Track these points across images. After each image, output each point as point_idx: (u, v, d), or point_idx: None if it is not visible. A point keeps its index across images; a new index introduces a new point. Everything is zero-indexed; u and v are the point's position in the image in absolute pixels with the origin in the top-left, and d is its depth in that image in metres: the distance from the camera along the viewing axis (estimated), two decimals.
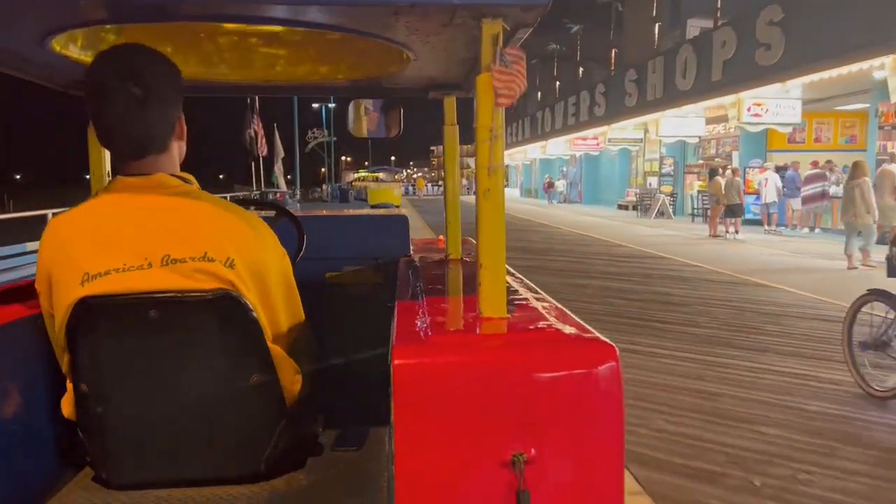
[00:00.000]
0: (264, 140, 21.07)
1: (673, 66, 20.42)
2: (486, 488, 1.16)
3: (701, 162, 26.30)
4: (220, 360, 1.44)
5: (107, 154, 2.09)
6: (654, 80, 21.66)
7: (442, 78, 2.10)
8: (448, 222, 2.42)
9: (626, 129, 28.27)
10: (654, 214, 24.34)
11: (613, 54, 34.49)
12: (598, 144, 34.12)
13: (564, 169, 42.50)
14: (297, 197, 30.77)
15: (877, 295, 4.62)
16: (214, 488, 1.49)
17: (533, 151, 45.03)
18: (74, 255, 1.38)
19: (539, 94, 50.09)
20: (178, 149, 1.49)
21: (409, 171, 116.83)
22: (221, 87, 2.26)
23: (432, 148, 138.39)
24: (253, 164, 21.03)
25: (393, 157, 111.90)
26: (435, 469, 1.16)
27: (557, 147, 39.55)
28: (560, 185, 40.82)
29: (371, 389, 1.76)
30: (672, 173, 26.28)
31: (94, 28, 1.52)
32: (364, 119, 2.46)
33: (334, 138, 47.66)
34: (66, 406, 1.50)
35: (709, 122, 22.98)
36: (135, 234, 1.38)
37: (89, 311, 1.37)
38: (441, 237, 2.79)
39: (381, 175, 52.59)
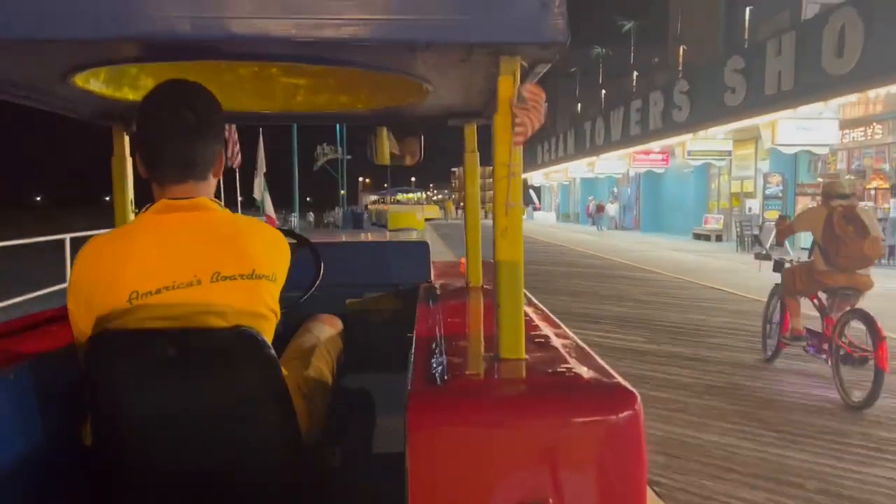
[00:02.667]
0: (238, 148, 15.35)
1: (813, 43, 14.45)
2: None
3: (819, 181, 20.19)
4: (235, 396, 1.43)
5: (130, 184, 2.20)
6: (777, 66, 15.71)
7: (461, 107, 2.09)
8: (468, 248, 2.43)
9: (712, 138, 22.28)
10: (768, 247, 18.17)
11: (681, 51, 28.57)
12: (664, 160, 28.17)
13: (615, 189, 36.46)
14: (293, 224, 24.93)
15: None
16: None
17: (576, 169, 39.14)
18: (120, 275, 1.39)
19: (579, 105, 44.33)
20: (214, 184, 1.54)
21: (428, 192, 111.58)
22: (242, 116, 2.28)
23: (453, 169, 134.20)
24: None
25: (413, 178, 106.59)
26: None
27: (609, 164, 33.63)
28: (611, 208, 34.80)
29: (390, 419, 1.75)
30: (780, 195, 20.16)
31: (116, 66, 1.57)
32: (385, 146, 2.42)
33: (349, 156, 41.89)
34: (86, 434, 1.51)
35: (847, 125, 16.97)
36: (182, 252, 1.41)
37: (108, 344, 1.39)
38: (463, 259, 2.78)
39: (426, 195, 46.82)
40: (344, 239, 5.03)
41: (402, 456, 1.29)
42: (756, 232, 19.59)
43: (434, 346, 1.50)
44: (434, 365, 1.34)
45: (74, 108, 1.95)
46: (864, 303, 5.33)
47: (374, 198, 52.14)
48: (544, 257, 18.06)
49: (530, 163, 44.14)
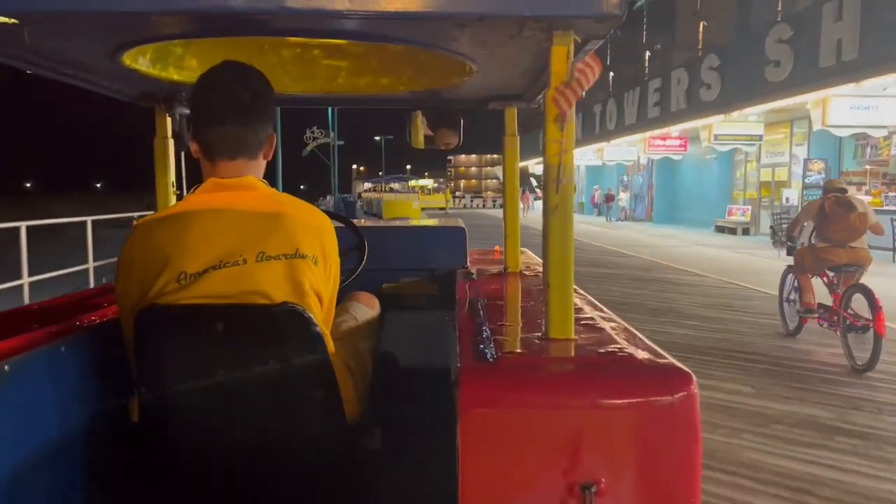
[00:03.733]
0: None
1: (886, 5, 12.17)
2: None
3: (868, 168, 18.00)
4: (281, 373, 1.43)
5: (172, 165, 2.22)
6: (837, 33, 13.43)
7: (503, 89, 2.09)
8: (507, 234, 2.41)
9: (743, 121, 20.01)
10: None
11: (700, 27, 26.24)
12: (682, 145, 25.89)
13: (625, 178, 34.19)
14: None
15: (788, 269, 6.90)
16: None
17: (581, 156, 36.83)
18: (170, 255, 1.41)
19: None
20: (263, 165, 1.57)
21: (424, 180, 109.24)
22: (283, 99, 2.22)
23: (449, 158, 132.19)
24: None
25: (409, 166, 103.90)
26: (500, 494, 1.13)
27: (618, 151, 31.33)
28: (622, 198, 32.56)
29: (429, 402, 1.84)
30: (822, 184, 17.91)
31: (163, 43, 1.57)
32: (420, 130, 2.41)
33: (341, 142, 39.43)
34: (134, 410, 1.52)
35: None
36: (229, 232, 1.43)
37: (157, 319, 1.40)
38: (497, 248, 2.86)
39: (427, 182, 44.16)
40: (382, 223, 4.09)
41: (441, 437, 1.40)
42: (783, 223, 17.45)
43: (480, 326, 1.49)
44: (483, 343, 1.32)
45: (119, 88, 1.98)
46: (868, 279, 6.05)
47: (368, 185, 49.55)
48: None
49: (532, 149, 41.74)
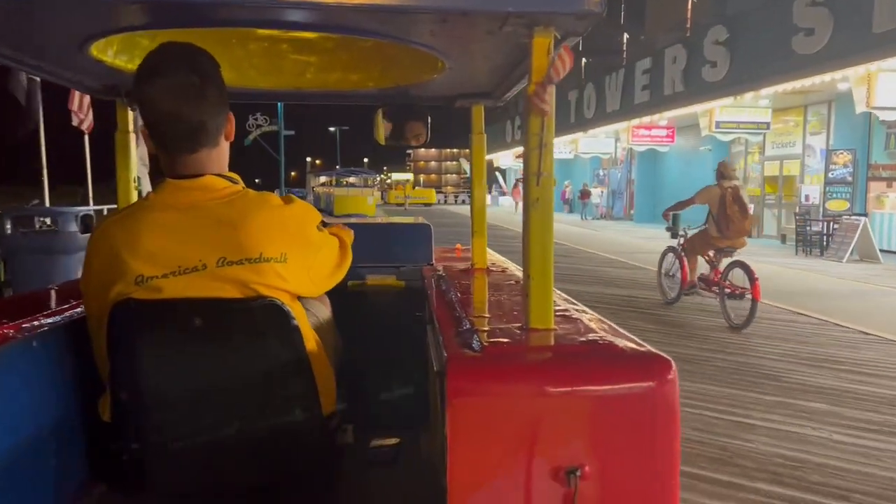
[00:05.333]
0: (88, 102, 9.49)
1: None
2: (540, 502, 1.13)
3: None
4: (260, 367, 1.42)
5: (134, 160, 2.13)
6: None
7: (472, 87, 2.10)
8: (474, 232, 2.40)
9: (750, 107, 17.23)
10: (848, 255, 13.23)
11: (689, 5, 23.47)
12: (669, 135, 23.11)
13: (601, 172, 31.40)
14: None
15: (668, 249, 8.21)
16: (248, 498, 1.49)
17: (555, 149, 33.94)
18: (127, 259, 1.37)
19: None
20: (226, 147, 1.50)
21: (383, 175, 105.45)
22: (250, 93, 2.21)
23: (409, 152, 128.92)
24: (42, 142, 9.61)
25: (366, 160, 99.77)
26: (489, 481, 1.14)
27: (595, 142, 28.49)
28: (595, 194, 29.73)
29: (399, 398, 1.95)
30: (850, 179, 15.21)
31: (130, 34, 1.57)
32: (381, 126, 2.37)
33: (290, 132, 35.62)
34: (104, 409, 1.48)
35: None
36: (188, 238, 1.38)
37: (132, 314, 1.36)
38: (459, 246, 3.10)
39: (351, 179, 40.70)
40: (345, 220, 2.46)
41: (413, 431, 1.60)
42: (819, 228, 14.70)
43: (459, 318, 1.49)
44: (467, 335, 1.33)
45: (81, 80, 1.94)
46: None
47: (322, 179, 45.59)
48: (558, 267, 12.72)
49: (499, 141, 38.74)
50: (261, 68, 2.01)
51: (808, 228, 14.71)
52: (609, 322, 1.47)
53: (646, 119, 21.26)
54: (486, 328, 1.38)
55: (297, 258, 1.44)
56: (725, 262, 7.37)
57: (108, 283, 1.38)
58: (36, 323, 1.55)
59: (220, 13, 1.33)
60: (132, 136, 2.12)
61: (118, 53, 1.69)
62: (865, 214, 14.16)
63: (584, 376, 1.16)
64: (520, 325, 1.36)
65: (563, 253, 15.01)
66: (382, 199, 56.24)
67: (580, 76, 31.30)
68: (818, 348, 6.24)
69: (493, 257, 2.65)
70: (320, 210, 2.05)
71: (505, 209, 38.63)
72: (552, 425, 1.13)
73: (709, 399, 4.69)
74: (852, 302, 8.83)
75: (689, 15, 23.88)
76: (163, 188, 1.42)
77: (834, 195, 15.36)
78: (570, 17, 1.19)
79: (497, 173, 48.77)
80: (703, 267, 7.86)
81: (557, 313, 1.44)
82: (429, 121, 2.35)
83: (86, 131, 10.90)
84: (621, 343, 1.28)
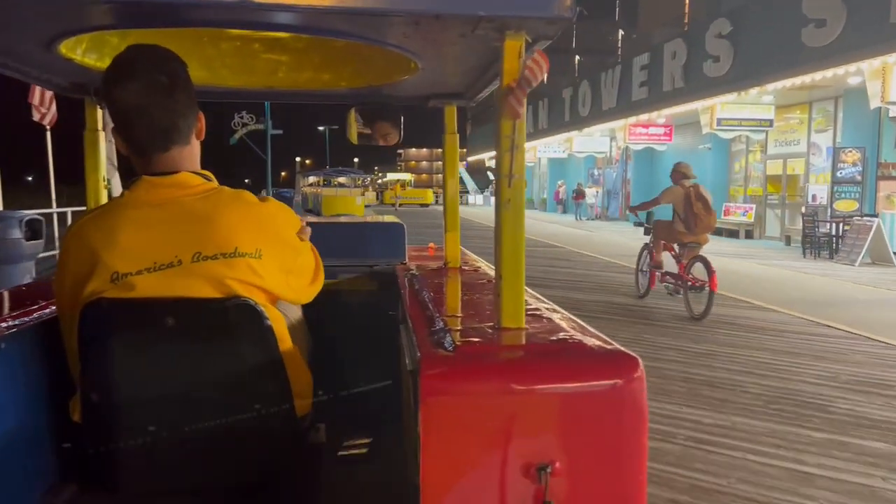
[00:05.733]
0: (51, 96, 8.72)
1: None
2: (512, 499, 1.15)
3: None
4: (233, 367, 1.42)
5: (103, 159, 2.10)
6: None
7: (445, 87, 2.10)
8: (447, 230, 2.41)
9: (753, 104, 16.57)
10: (860, 258, 12.56)
11: (686, 3, 22.82)
12: (667, 134, 22.47)
13: (596, 171, 30.72)
14: None
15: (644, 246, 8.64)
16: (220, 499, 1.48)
17: (547, 148, 33.26)
18: (102, 256, 1.37)
19: (546, 75, 38.36)
20: (198, 146, 1.50)
21: (374, 175, 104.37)
22: (222, 92, 2.21)
23: (399, 151, 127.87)
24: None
25: (356, 160, 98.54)
26: (461, 479, 1.16)
27: (590, 141, 27.83)
28: (590, 194, 29.04)
29: (372, 397, 1.89)
30: (860, 178, 14.55)
31: (100, 33, 1.55)
32: (354, 126, 2.40)
33: (279, 131, 34.70)
34: (75, 410, 1.47)
35: None
36: (163, 233, 1.38)
37: (104, 313, 1.36)
38: (431, 245, 3.05)
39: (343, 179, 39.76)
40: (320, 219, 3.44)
41: (386, 430, 1.58)
42: (827, 229, 14.06)
43: (432, 318, 1.50)
44: (440, 334, 1.34)
45: (50, 78, 1.91)
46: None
47: (312, 179, 44.63)
48: (551, 271, 12.02)
49: (493, 141, 37.99)
50: (232, 67, 2.02)
51: (816, 230, 14.05)
52: (578, 321, 1.48)
53: (643, 117, 20.59)
54: (458, 327, 1.41)
55: (272, 255, 1.43)
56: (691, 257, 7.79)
57: (83, 280, 1.37)
58: (4, 325, 1.53)
59: (191, 13, 1.32)
60: (101, 135, 2.09)
61: (87, 52, 1.68)
62: (876, 215, 13.51)
63: (554, 374, 1.19)
64: (492, 324, 1.38)
65: (562, 257, 14.30)
66: (378, 199, 55.36)
67: (574, 74, 30.65)
68: (858, 368, 5.53)
69: (467, 255, 2.67)
70: (308, 210, 2.27)
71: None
72: (523, 423, 1.15)
73: (752, 438, 3.96)
74: (878, 311, 8.14)
75: (686, 10, 23.24)
76: (138, 185, 1.42)
77: (842, 195, 14.70)
78: (540, 22, 1.22)
79: (489, 173, 48.07)
80: (672, 267, 8.24)
81: (529, 312, 1.46)
82: (402, 121, 2.38)
83: (48, 126, 10.13)
84: (590, 341, 1.30)
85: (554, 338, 1.32)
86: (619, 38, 29.15)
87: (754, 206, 18.64)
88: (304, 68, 2.04)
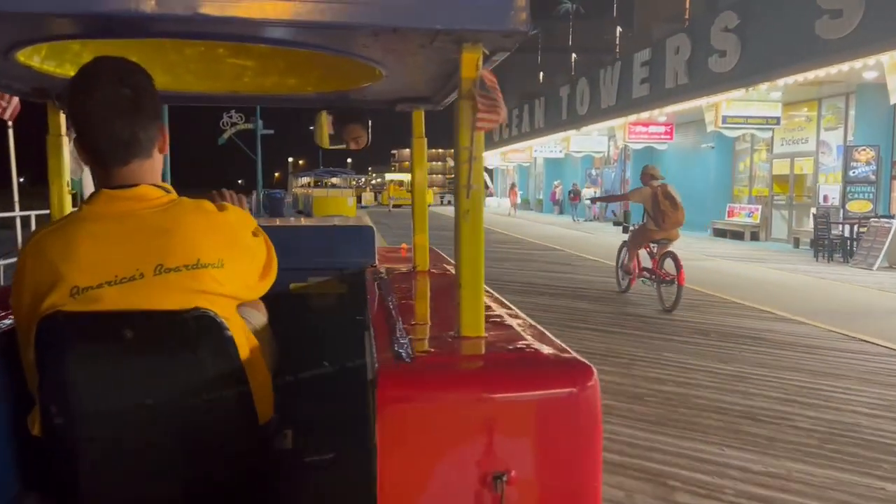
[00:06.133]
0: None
1: None
2: None
3: None
4: (194, 378, 1.41)
5: (67, 164, 2.08)
6: None
7: (412, 92, 2.10)
8: (415, 233, 2.42)
9: (759, 101, 15.93)
10: (879, 262, 11.90)
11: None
12: (668, 132, 21.84)
13: (594, 171, 30.08)
14: None
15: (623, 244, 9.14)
16: None
17: (543, 148, 32.60)
18: (61, 270, 1.37)
19: (541, 73, 37.71)
20: (160, 160, 1.50)
21: (367, 176, 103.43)
22: (187, 97, 2.23)
23: (393, 152, 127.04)
24: None
25: (349, 160, 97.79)
26: (417, 489, 1.16)
27: (588, 140, 27.19)
28: (587, 194, 28.37)
29: (339, 402, 1.90)
30: (874, 178, 13.90)
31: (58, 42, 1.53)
32: (325, 129, 2.40)
33: (270, 131, 33.92)
34: (34, 423, 1.46)
35: None
36: (124, 246, 1.38)
37: (60, 327, 1.35)
38: (404, 245, 3.02)
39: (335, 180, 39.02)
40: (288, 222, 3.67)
41: (353, 437, 1.51)
42: (840, 231, 13.41)
43: (393, 326, 1.52)
44: (398, 344, 1.35)
45: (9, 83, 1.90)
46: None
47: (304, 180, 43.83)
48: (553, 277, 11.31)
49: (486, 141, 37.29)
50: (197, 73, 2.01)
51: (828, 232, 13.40)
52: (539, 327, 1.50)
53: (644, 115, 19.93)
54: (419, 336, 1.44)
55: (233, 263, 1.44)
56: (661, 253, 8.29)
57: (43, 295, 1.36)
58: None
59: (146, 26, 1.30)
60: (65, 140, 2.05)
61: (46, 59, 1.66)
62: (892, 216, 12.87)
63: (510, 384, 1.20)
64: (452, 332, 1.38)
65: (563, 261, 13.60)
66: (376, 200, 54.46)
67: (570, 72, 29.98)
68: None
69: (441, 257, 2.69)
70: (298, 212, 1.84)
71: (492, 209, 37.20)
72: (479, 432, 1.15)
73: (815, 493, 3.24)
74: None
75: (687, 5, 22.60)
76: (97, 199, 1.42)
77: (855, 195, 14.05)
78: (496, 35, 1.24)
79: (485, 173, 47.43)
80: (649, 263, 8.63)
81: (490, 319, 1.49)
82: (370, 124, 2.46)
83: (9, 120, 9.36)
84: (546, 350, 1.32)
85: (511, 347, 1.34)
86: (617, 35, 28.52)
87: (760, 207, 17.99)
88: (269, 73, 2.04)
